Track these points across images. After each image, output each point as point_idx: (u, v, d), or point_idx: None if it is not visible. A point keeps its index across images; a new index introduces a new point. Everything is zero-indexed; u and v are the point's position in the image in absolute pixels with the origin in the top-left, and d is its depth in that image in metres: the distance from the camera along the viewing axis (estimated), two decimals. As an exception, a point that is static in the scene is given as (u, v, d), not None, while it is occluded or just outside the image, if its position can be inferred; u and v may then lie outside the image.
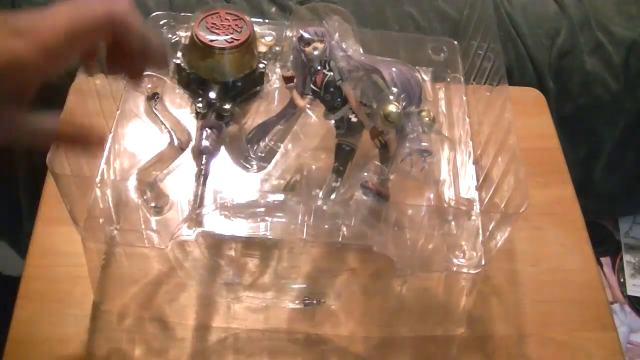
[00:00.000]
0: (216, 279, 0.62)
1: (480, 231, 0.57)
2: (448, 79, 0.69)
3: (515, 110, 0.80)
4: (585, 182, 1.11)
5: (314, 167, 0.62)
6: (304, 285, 0.62)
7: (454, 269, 0.56)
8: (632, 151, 1.10)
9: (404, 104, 0.54)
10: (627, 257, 1.37)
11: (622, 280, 1.35)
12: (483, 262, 0.56)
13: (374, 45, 0.62)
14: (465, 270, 0.56)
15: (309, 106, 0.59)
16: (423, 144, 0.53)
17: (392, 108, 0.53)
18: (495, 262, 0.67)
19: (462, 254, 0.56)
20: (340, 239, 0.55)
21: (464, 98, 0.68)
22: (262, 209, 0.53)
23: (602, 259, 1.37)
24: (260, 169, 0.61)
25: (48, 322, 0.60)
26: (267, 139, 0.61)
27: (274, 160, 0.61)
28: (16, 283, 0.61)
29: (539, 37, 1.02)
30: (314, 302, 0.61)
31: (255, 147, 0.61)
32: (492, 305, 0.64)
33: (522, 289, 0.66)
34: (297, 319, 0.62)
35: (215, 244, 0.62)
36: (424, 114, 0.56)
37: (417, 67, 0.62)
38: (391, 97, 0.54)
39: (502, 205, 0.56)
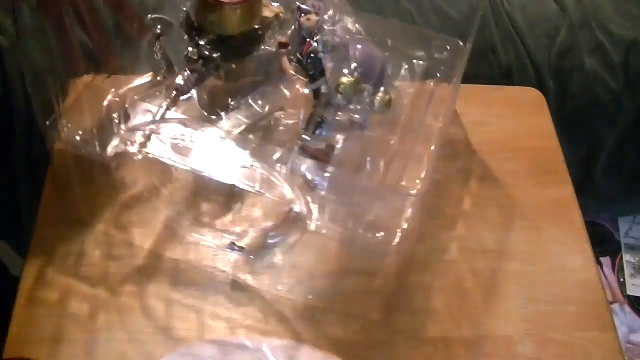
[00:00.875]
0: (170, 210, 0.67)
1: (400, 212, 0.58)
2: (438, 74, 0.69)
3: (515, 110, 0.81)
4: (585, 182, 1.11)
5: (281, 128, 0.64)
6: (246, 236, 0.65)
7: (368, 246, 0.57)
8: (632, 151, 1.10)
9: (356, 76, 0.58)
10: (627, 257, 1.38)
11: (622, 280, 1.35)
12: (396, 242, 0.56)
13: (379, 32, 0.66)
14: (378, 248, 0.57)
15: (293, 72, 0.62)
16: (356, 116, 0.58)
17: (344, 79, 0.58)
18: (495, 262, 0.67)
19: (378, 232, 0.57)
20: (259, 187, 0.57)
21: (450, 96, 0.68)
22: (190, 140, 0.57)
23: (602, 259, 1.37)
24: (234, 118, 0.64)
25: (48, 322, 0.60)
26: (249, 98, 0.65)
27: (247, 116, 0.64)
28: (16, 283, 0.62)
29: (539, 37, 1.02)
30: (236, 247, 0.63)
31: (236, 102, 0.65)
32: (492, 305, 0.64)
33: (522, 289, 0.66)
34: (241, 267, 0.64)
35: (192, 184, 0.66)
36: (380, 95, 0.59)
37: (414, 60, 0.66)
38: (345, 71, 0.59)
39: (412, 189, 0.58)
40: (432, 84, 0.68)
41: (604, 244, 1.40)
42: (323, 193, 0.57)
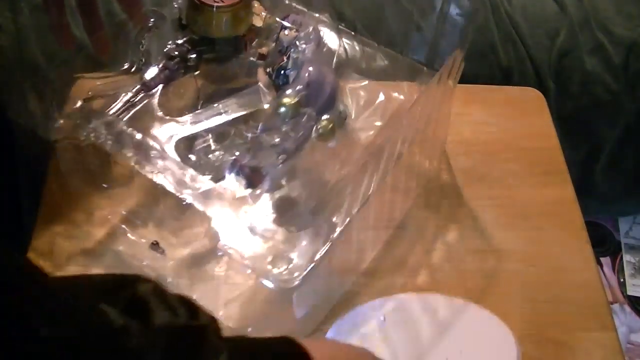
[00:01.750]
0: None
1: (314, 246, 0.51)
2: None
3: (515, 110, 0.81)
4: (585, 182, 1.11)
5: (240, 140, 0.61)
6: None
7: (269, 278, 0.49)
8: (632, 151, 1.10)
9: (297, 99, 0.57)
10: (627, 257, 1.38)
11: (622, 280, 1.35)
12: (300, 278, 0.49)
13: (364, 56, 0.65)
14: (276, 283, 0.49)
15: (262, 85, 0.62)
16: (276, 139, 0.56)
17: (285, 100, 0.57)
18: (495, 262, 0.67)
19: (285, 265, 0.50)
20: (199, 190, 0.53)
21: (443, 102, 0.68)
22: (137, 137, 0.55)
23: (602, 259, 1.37)
24: (195, 121, 0.63)
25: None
26: (220, 103, 0.63)
27: (212, 120, 0.62)
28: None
29: (539, 37, 1.02)
30: (157, 248, 0.63)
31: (206, 104, 0.64)
32: (492, 305, 0.64)
33: (522, 289, 0.66)
34: (178, 273, 0.63)
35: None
36: (324, 122, 0.58)
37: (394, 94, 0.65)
38: (289, 92, 0.58)
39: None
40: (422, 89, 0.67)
41: (604, 244, 1.40)
42: (244, 212, 0.53)
